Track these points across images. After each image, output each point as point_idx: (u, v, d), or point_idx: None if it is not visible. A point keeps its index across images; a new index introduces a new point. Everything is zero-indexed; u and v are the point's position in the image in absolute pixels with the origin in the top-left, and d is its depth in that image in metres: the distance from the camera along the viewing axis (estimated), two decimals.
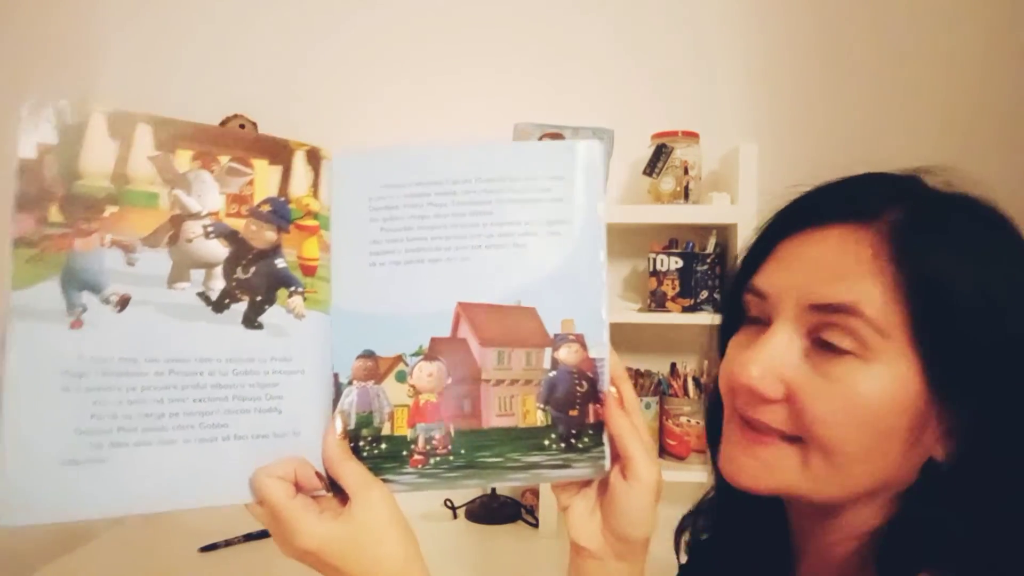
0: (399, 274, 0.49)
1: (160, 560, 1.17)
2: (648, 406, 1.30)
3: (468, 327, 0.49)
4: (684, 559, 0.64)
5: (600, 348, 0.50)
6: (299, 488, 0.46)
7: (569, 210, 0.50)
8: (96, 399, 0.42)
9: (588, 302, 0.50)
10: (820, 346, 0.43)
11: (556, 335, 0.50)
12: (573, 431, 0.49)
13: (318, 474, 0.47)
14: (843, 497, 0.45)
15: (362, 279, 0.49)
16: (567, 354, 0.50)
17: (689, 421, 1.29)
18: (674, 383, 1.32)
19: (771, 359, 0.45)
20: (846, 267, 0.43)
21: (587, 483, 0.52)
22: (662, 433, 1.32)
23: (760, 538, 0.55)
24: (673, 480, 1.27)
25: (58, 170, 0.42)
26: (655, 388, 1.32)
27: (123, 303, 0.43)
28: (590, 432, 0.49)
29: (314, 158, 0.50)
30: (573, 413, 0.49)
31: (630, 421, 0.49)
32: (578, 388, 0.49)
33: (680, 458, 1.29)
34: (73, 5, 1.45)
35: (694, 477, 1.22)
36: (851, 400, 0.42)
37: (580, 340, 0.49)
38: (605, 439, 0.49)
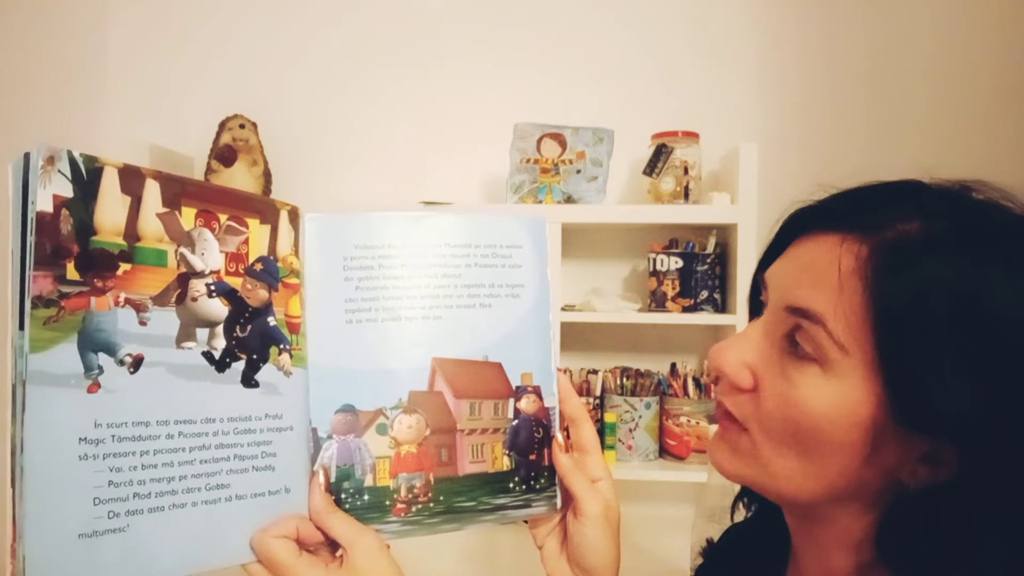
0: (377, 331, 0.52)
1: None
2: (648, 406, 1.32)
3: (443, 381, 0.53)
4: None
5: (551, 398, 0.56)
6: (300, 544, 0.47)
7: (525, 275, 0.56)
8: (112, 465, 0.41)
9: (541, 356, 0.56)
10: (791, 346, 0.44)
11: (517, 387, 0.55)
12: (532, 473, 0.55)
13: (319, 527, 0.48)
14: (797, 497, 0.45)
15: (339, 336, 0.51)
16: (526, 404, 0.55)
17: (689, 421, 1.31)
18: (674, 383, 1.34)
19: (745, 350, 0.46)
20: (827, 276, 0.42)
21: (559, 523, 0.57)
22: (662, 433, 1.35)
23: (762, 542, 0.57)
24: (673, 480, 1.31)
25: (74, 225, 0.41)
26: (655, 388, 1.34)
27: (136, 364, 0.43)
28: (545, 474, 0.55)
29: (294, 217, 0.52)
30: (532, 457, 0.55)
31: (573, 461, 0.54)
32: (536, 434, 0.55)
33: (680, 458, 1.31)
34: (75, 6, 1.46)
35: (694, 477, 1.25)
36: (795, 405, 0.43)
37: (537, 391, 0.55)
38: (557, 479, 0.55)
